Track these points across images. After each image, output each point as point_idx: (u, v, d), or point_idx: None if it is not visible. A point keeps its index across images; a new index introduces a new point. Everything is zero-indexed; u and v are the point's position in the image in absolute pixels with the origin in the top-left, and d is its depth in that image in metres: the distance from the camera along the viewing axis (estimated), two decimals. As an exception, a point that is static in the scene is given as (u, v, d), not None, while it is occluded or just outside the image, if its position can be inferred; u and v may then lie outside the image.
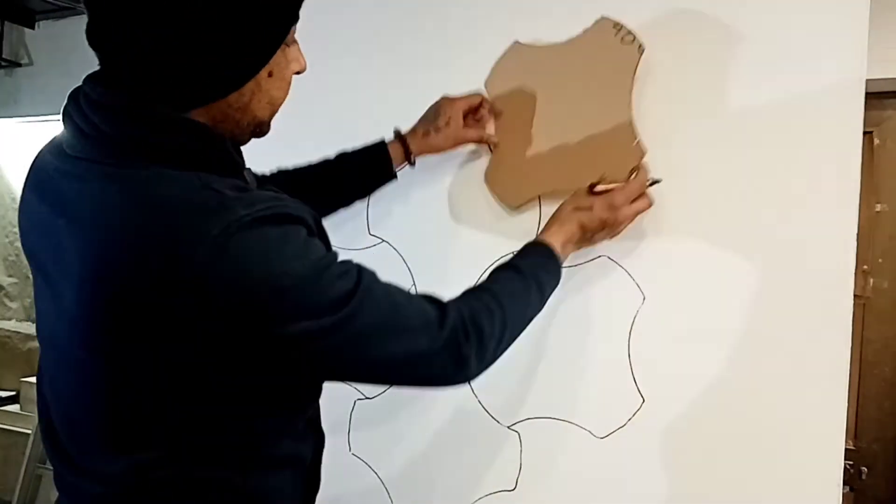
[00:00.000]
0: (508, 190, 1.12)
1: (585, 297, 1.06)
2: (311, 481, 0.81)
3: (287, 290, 0.60)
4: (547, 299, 0.89)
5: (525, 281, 0.84)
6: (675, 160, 1.01)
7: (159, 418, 0.66)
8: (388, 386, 0.80)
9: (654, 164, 1.01)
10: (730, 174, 0.98)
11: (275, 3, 0.66)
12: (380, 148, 1.08)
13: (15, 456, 3.12)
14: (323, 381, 0.78)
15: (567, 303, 1.07)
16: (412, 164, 1.11)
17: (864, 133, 0.94)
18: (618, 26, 1.04)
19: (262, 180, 0.84)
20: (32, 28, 3.07)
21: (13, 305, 3.44)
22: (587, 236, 0.95)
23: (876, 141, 1.66)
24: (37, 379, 0.77)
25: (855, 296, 0.92)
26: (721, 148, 0.98)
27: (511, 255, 0.90)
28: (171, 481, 0.68)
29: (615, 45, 1.03)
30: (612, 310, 1.04)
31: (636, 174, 0.98)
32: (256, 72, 0.67)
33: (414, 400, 1.17)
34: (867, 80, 0.92)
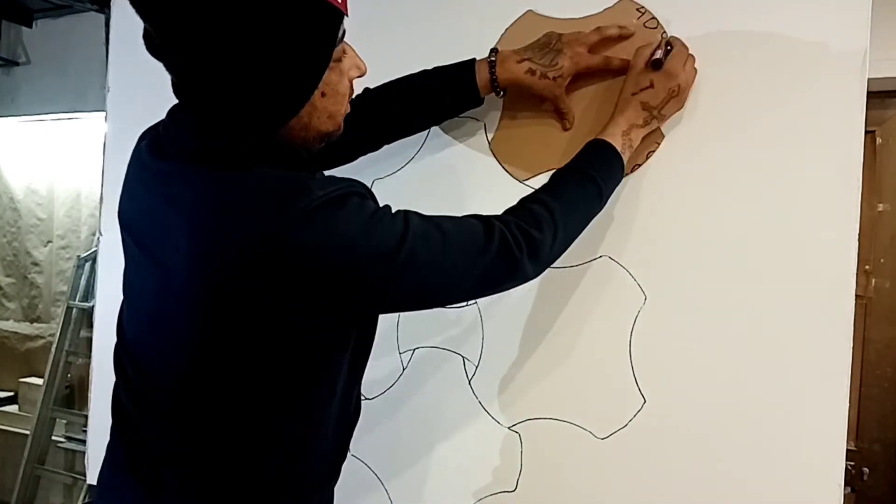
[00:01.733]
0: (517, 161, 1.10)
1: (587, 296, 1.05)
2: (342, 448, 0.90)
3: (353, 247, 0.70)
4: (608, 195, 0.92)
5: (583, 185, 0.89)
6: (675, 160, 1.00)
7: (233, 379, 0.75)
8: (458, 302, 0.86)
9: (655, 162, 1.01)
10: (731, 174, 0.98)
11: (310, 38, 0.70)
12: (467, 69, 1.01)
13: (13, 457, 3.12)
14: (399, 311, 0.87)
15: (568, 302, 1.06)
16: (498, 94, 1.02)
17: (866, 132, 0.94)
18: (641, 9, 1.02)
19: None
20: (30, 27, 3.07)
21: (11, 305, 3.43)
22: (655, 114, 0.95)
23: (878, 140, 1.66)
24: (117, 326, 0.88)
25: (856, 296, 0.92)
26: (722, 147, 0.98)
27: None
28: (230, 431, 0.78)
29: (636, 28, 1.02)
30: (613, 310, 1.04)
31: (678, 42, 0.96)
32: (306, 100, 0.73)
33: (414, 400, 1.17)
34: (869, 80, 0.91)
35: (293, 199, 0.69)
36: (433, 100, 1.05)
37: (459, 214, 0.82)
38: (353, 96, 1.01)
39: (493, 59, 1.00)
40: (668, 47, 0.95)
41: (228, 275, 0.70)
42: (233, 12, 0.66)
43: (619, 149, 0.92)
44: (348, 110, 0.80)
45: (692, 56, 0.96)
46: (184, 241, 0.73)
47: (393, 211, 0.76)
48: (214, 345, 0.74)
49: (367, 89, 1.07)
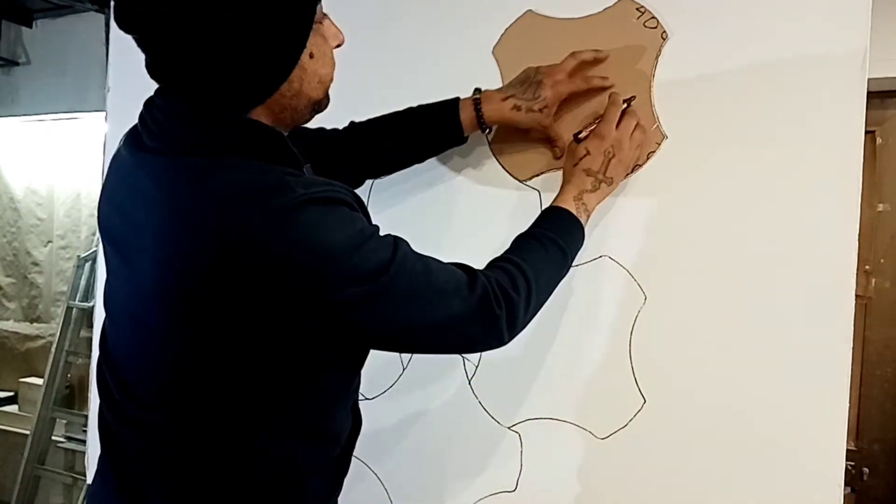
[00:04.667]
0: (517, 162, 1.10)
1: (586, 296, 1.05)
2: (343, 460, 0.86)
3: (333, 259, 0.66)
4: (572, 260, 0.92)
5: (546, 248, 0.87)
6: (675, 160, 1.00)
7: (212, 384, 0.72)
8: (427, 353, 0.82)
9: (656, 162, 1.01)
10: (731, 174, 0.98)
11: None
12: (450, 108, 1.02)
13: (13, 457, 3.12)
14: (365, 349, 0.82)
15: (568, 302, 1.06)
16: (484, 131, 1.04)
17: (866, 132, 0.94)
18: (641, 9, 1.02)
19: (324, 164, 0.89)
20: (30, 27, 3.07)
21: (11, 306, 3.43)
22: (601, 178, 0.96)
23: (878, 140, 1.66)
24: (99, 340, 0.84)
25: (856, 296, 0.92)
26: (721, 147, 0.98)
27: (529, 226, 0.92)
28: (215, 446, 0.74)
29: (636, 27, 1.02)
30: (613, 310, 1.04)
31: (608, 103, 0.98)
32: (296, 60, 0.72)
33: (414, 400, 1.16)
34: (869, 80, 0.91)
35: (271, 195, 0.65)
36: (416, 140, 1.05)
37: (445, 259, 0.79)
38: (340, 128, 1.01)
39: (477, 97, 1.01)
40: (597, 120, 0.98)
41: (197, 273, 0.66)
42: None
43: (574, 213, 0.93)
44: (333, 80, 0.79)
45: (630, 115, 0.97)
46: (150, 237, 0.70)
47: (381, 234, 0.73)
48: (188, 349, 0.71)
49: (352, 123, 1.06)
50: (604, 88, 1.02)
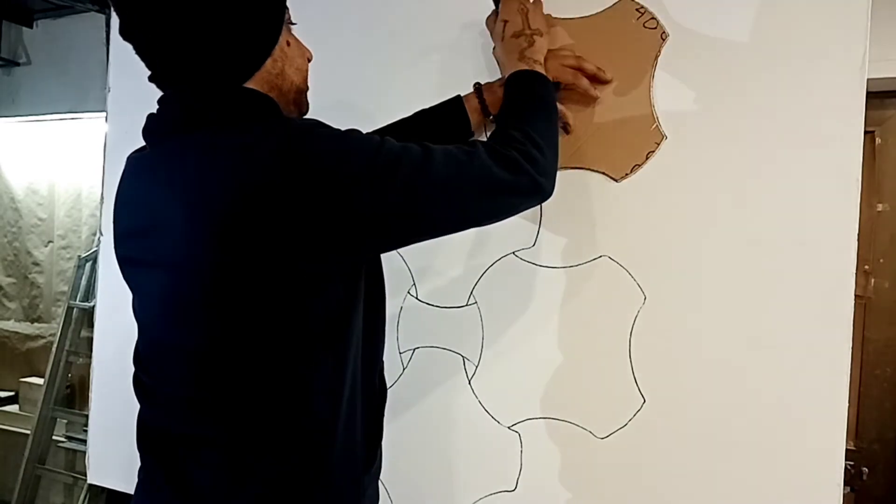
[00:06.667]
0: None
1: (586, 296, 1.06)
2: (372, 425, 0.89)
3: (338, 149, 0.74)
4: (551, 97, 0.97)
5: (519, 106, 0.94)
6: (675, 160, 1.00)
7: (248, 349, 0.76)
8: (471, 221, 0.84)
9: (655, 162, 1.01)
10: (731, 174, 0.98)
11: None
12: (455, 103, 1.05)
13: (14, 456, 3.12)
14: (405, 242, 0.85)
15: (568, 302, 1.06)
16: (489, 118, 1.05)
17: (866, 132, 0.94)
18: (641, 10, 1.03)
19: None
20: (31, 27, 3.07)
21: (11, 306, 3.43)
22: (528, 32, 1.00)
23: (877, 140, 1.66)
24: (134, 358, 0.87)
25: (856, 296, 0.92)
26: (721, 147, 0.98)
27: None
28: (248, 410, 0.78)
29: (636, 28, 1.03)
30: (613, 310, 1.04)
31: None
32: (276, 36, 0.81)
33: (414, 400, 1.17)
34: (869, 80, 0.92)
35: (274, 133, 0.72)
36: (429, 139, 1.06)
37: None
38: None
39: (478, 86, 1.05)
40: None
41: (229, 226, 0.71)
42: None
43: (525, 68, 0.97)
44: (307, 71, 0.87)
45: None
46: (180, 211, 0.74)
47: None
48: (228, 313, 0.75)
49: None
50: (595, 78, 1.04)
